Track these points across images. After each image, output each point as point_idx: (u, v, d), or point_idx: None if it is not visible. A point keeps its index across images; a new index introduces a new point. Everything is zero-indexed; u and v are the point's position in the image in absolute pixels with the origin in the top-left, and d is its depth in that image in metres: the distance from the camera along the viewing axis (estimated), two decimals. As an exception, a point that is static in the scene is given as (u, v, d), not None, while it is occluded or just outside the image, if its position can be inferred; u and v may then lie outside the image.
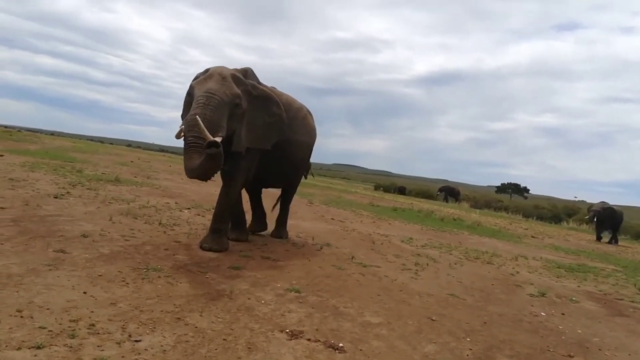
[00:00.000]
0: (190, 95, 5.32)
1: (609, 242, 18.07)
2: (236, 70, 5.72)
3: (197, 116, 4.69)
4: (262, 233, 7.28)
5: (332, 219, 11.02)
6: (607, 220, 18.44)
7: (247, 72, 5.89)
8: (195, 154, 4.70)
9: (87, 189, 8.39)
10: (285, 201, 7.49)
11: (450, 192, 37.67)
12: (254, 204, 7.31)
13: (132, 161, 17.30)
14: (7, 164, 9.85)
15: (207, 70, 5.49)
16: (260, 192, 7.38)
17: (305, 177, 33.39)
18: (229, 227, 6.01)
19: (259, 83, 6.07)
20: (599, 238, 18.45)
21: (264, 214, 7.35)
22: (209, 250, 5.38)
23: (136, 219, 6.46)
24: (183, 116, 5.61)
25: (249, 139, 5.65)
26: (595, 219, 18.72)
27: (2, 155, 11.28)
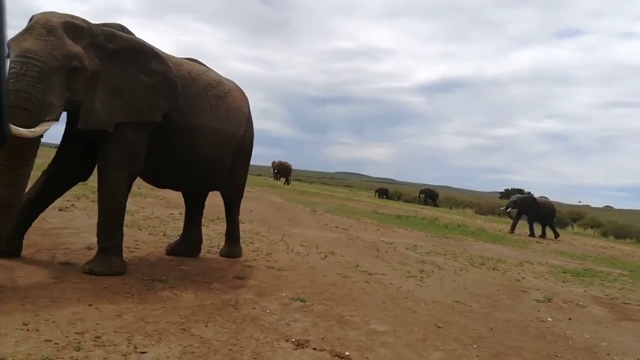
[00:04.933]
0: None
1: (541, 236, 16.82)
2: (75, 18, 3.92)
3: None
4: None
5: (336, 227, 11.01)
6: (530, 211, 16.93)
7: (124, 29, 4.40)
8: None
9: (92, 201, 8.42)
10: (229, 210, 5.96)
11: (429, 194, 40.54)
12: (188, 216, 5.79)
13: (135, 173, 17.34)
14: (12, 178, 9.90)
15: (30, 20, 3.75)
16: (198, 201, 5.82)
17: (288, 183, 33.11)
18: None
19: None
20: (513, 230, 17.04)
21: (198, 234, 5.74)
22: (90, 273, 4.09)
23: (140, 230, 6.49)
24: None
25: (120, 111, 4.16)
26: (509, 210, 17.42)
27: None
